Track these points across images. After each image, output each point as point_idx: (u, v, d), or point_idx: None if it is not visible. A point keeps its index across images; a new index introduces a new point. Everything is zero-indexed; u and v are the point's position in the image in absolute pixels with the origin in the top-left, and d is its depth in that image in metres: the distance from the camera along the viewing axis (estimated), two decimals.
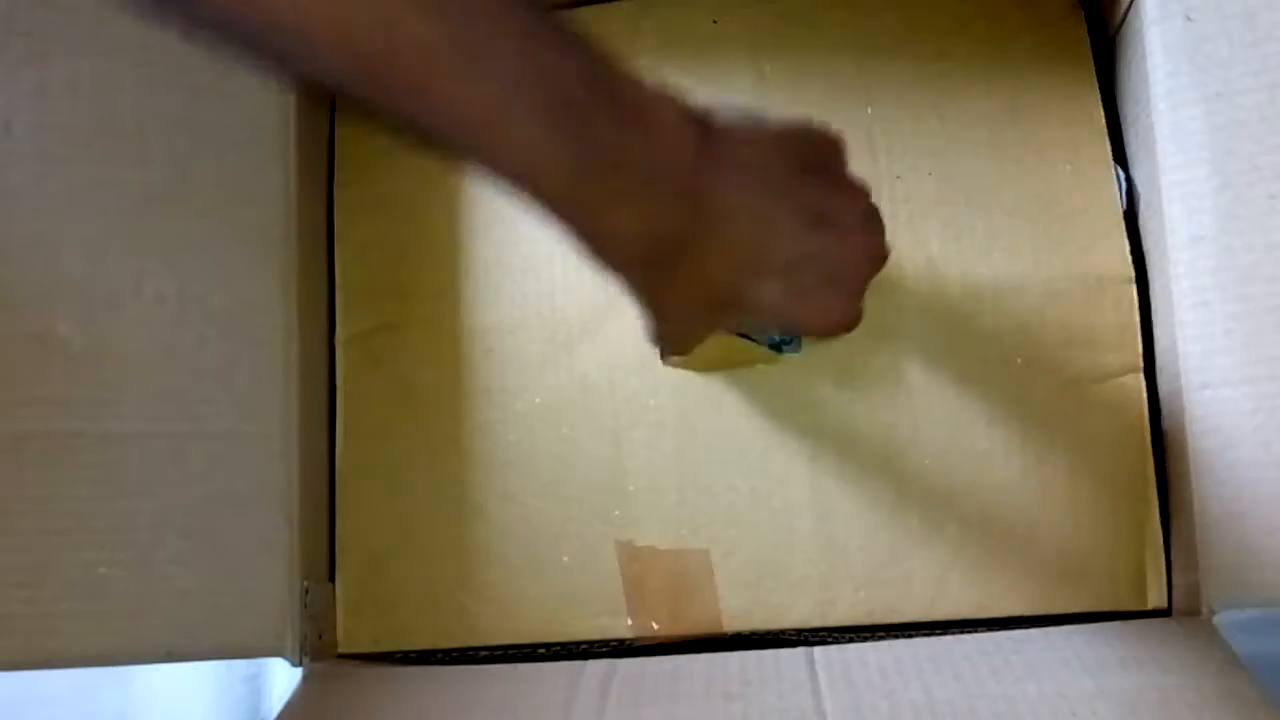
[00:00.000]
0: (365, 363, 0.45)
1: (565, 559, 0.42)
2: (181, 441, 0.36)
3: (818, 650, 0.38)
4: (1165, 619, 0.39)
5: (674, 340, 0.34)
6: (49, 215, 0.36)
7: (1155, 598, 0.40)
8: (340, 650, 0.42)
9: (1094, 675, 0.34)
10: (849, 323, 0.33)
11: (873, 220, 0.33)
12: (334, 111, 0.46)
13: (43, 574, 0.34)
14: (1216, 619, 0.37)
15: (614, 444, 0.43)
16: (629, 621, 0.41)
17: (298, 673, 0.39)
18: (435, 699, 0.37)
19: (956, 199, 0.43)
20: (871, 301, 0.34)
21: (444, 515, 0.43)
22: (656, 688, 0.36)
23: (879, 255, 0.33)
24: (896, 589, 0.41)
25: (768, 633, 0.41)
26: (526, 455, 0.43)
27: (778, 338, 0.41)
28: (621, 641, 0.41)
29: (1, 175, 0.35)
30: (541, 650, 0.42)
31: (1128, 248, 0.42)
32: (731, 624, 0.41)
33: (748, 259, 0.30)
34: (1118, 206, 0.43)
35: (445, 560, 0.42)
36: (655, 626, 0.41)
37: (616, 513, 0.42)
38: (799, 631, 0.41)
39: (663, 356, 0.42)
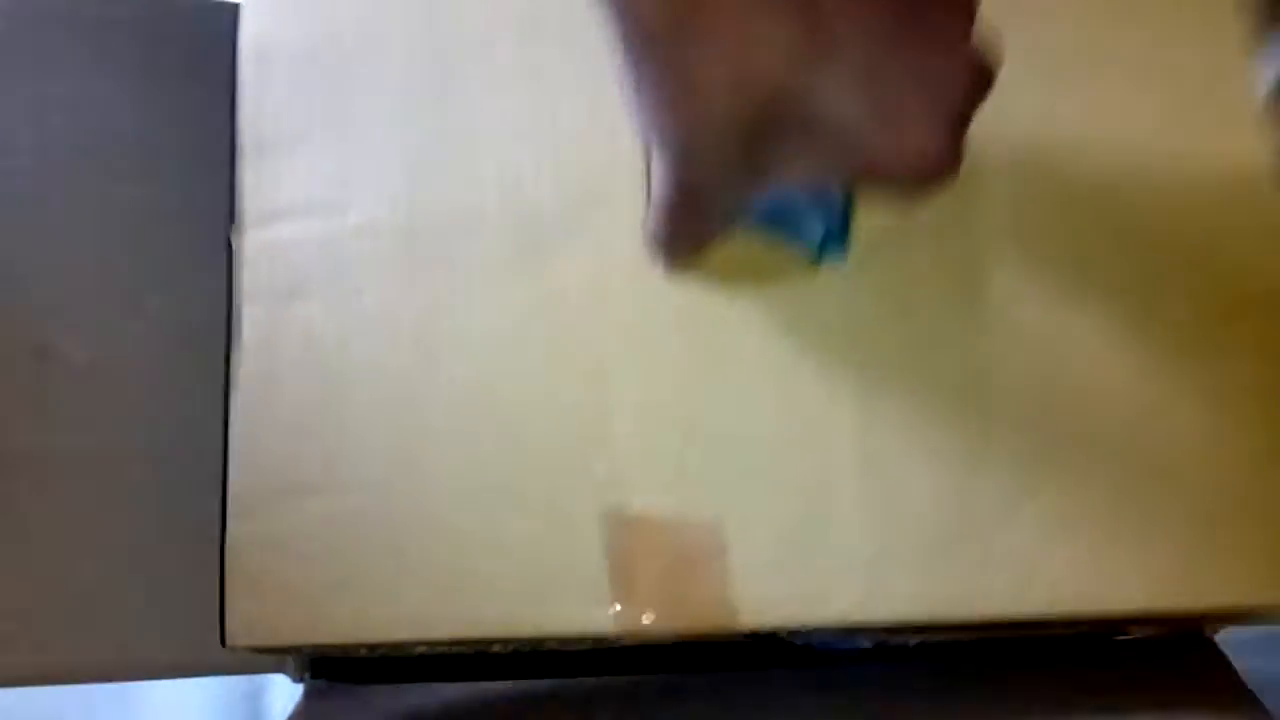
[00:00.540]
0: (273, 273, 0.34)
1: (532, 530, 0.32)
2: (181, 457, 0.34)
3: (826, 671, 0.36)
4: (1168, 639, 0.37)
5: (692, 212, 0.24)
6: (50, 231, 0.36)
7: None
8: (231, 643, 0.32)
9: (1096, 695, 0.34)
10: (946, 159, 0.23)
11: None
12: None
13: (40, 590, 0.33)
14: (1220, 638, 0.36)
15: (599, 379, 0.32)
16: (614, 611, 0.31)
17: (298, 690, 0.38)
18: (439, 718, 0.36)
19: (1058, 68, 0.33)
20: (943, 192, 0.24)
21: (370, 470, 0.32)
22: (669, 708, 0.35)
23: (988, 76, 0.23)
24: (967, 575, 0.31)
25: (795, 630, 0.31)
26: (483, 392, 0.33)
27: (820, 234, 0.31)
28: (604, 639, 0.31)
29: (2, 190, 0.35)
30: (498, 648, 0.32)
31: (1275, 142, 0.32)
32: (749, 618, 0.31)
33: (811, 29, 0.20)
34: (1256, 92, 0.33)
35: (372, 529, 0.32)
36: (648, 620, 0.31)
37: (600, 470, 0.32)
38: (837, 631, 0.31)
39: (665, 261, 0.31)
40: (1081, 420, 0.31)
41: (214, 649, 0.32)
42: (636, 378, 0.32)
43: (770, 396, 0.32)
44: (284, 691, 0.40)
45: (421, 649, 0.32)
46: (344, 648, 0.32)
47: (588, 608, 0.31)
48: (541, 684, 0.37)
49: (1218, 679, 0.34)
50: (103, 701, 0.50)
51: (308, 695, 0.38)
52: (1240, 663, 0.35)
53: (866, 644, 0.43)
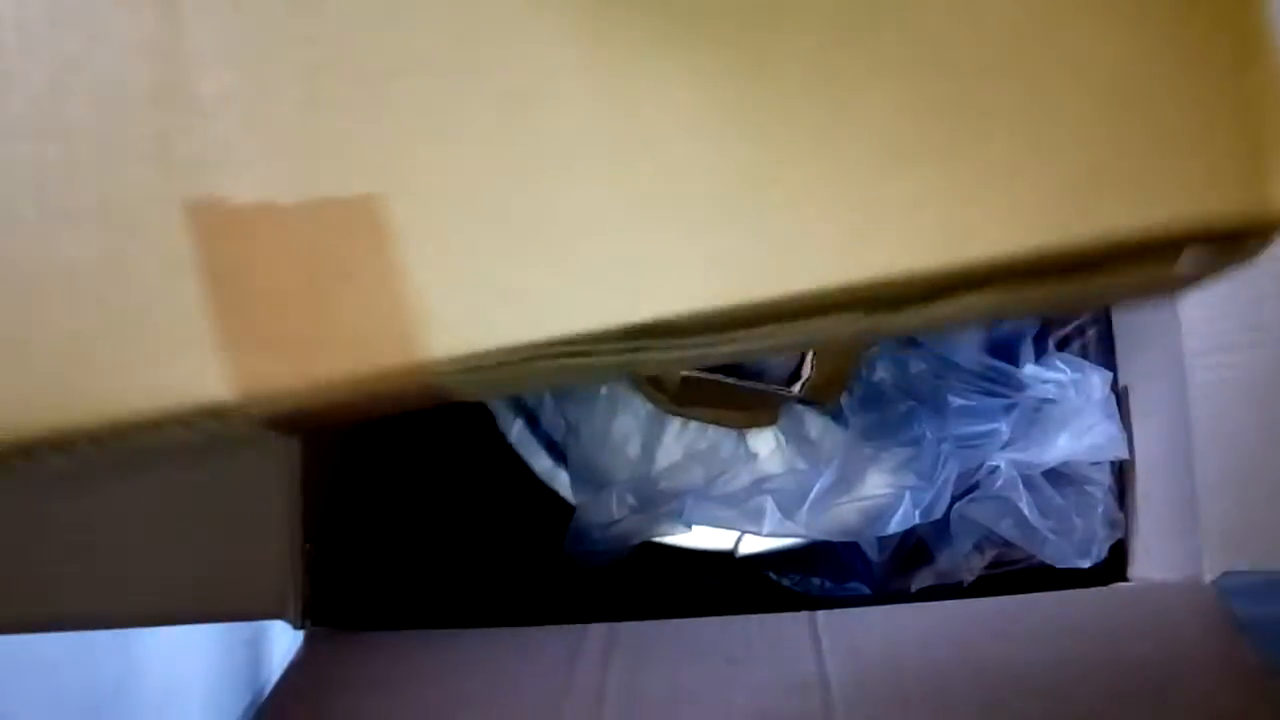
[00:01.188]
0: None
1: (76, 254, 0.19)
2: None
3: (821, 614, 0.38)
4: (1166, 585, 0.38)
5: None
6: None
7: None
8: None
9: (1096, 641, 0.34)
10: None
11: None
12: None
13: (40, 537, 0.33)
14: (1217, 583, 0.37)
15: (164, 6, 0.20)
16: (222, 361, 0.19)
17: (299, 636, 0.39)
18: (436, 663, 0.36)
19: None
20: None
21: None
22: (659, 651, 0.36)
23: None
24: (812, 234, 0.19)
25: (528, 350, 0.19)
26: None
27: None
28: (219, 411, 0.19)
29: None
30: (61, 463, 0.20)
31: None
32: (445, 345, 0.19)
33: None
34: None
35: None
36: (276, 367, 0.19)
37: (181, 144, 0.19)
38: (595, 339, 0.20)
39: None
40: None
41: (213, 596, 0.33)
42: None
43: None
44: (285, 638, 0.41)
45: None
46: None
47: (179, 364, 0.19)
48: (541, 629, 0.37)
49: (1215, 625, 0.34)
50: (103, 649, 0.48)
51: (309, 641, 0.38)
52: (1238, 609, 0.35)
53: (866, 590, 0.42)
